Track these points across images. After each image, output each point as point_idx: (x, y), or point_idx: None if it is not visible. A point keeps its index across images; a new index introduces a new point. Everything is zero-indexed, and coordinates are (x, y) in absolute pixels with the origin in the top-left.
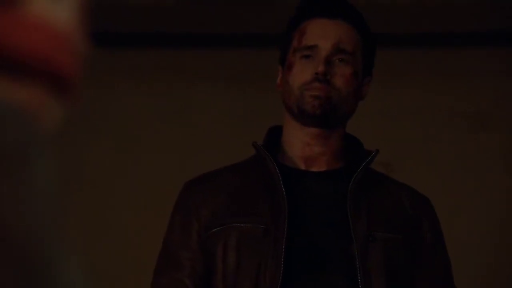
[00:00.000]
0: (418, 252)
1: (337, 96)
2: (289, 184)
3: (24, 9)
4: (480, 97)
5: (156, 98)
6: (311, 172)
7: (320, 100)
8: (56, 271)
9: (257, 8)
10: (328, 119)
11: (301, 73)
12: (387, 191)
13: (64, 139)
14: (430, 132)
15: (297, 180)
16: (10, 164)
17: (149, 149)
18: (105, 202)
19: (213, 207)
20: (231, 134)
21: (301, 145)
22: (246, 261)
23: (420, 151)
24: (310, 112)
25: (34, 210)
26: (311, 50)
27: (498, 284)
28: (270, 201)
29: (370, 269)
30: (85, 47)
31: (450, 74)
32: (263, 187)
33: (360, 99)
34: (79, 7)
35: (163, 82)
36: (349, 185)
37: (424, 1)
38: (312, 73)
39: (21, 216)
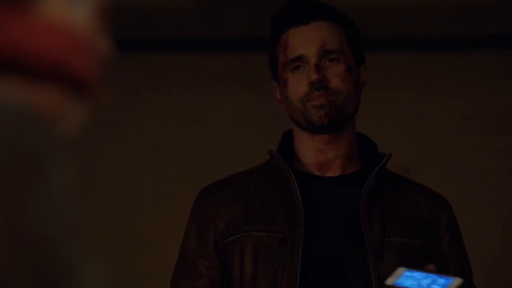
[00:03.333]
0: (436, 255)
1: (339, 98)
2: (305, 192)
3: (39, 12)
4: (496, 100)
5: (172, 103)
6: (326, 178)
7: (325, 109)
8: (75, 277)
9: (271, 12)
10: (337, 124)
11: (297, 86)
12: (403, 194)
13: (81, 144)
14: (448, 135)
15: (312, 187)
16: (27, 170)
17: (166, 154)
18: (123, 208)
19: (229, 215)
20: (248, 138)
21: (314, 152)
22: (262, 270)
23: (438, 154)
24: (317, 123)
25: (51, 217)
26: (299, 61)
27: None
28: (286, 209)
29: (385, 275)
30: (106, 51)
31: (467, 77)
32: (279, 194)
33: (361, 88)
34: (96, 11)
35: (180, 87)
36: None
37: (439, 4)
38: (308, 83)
39: (38, 223)
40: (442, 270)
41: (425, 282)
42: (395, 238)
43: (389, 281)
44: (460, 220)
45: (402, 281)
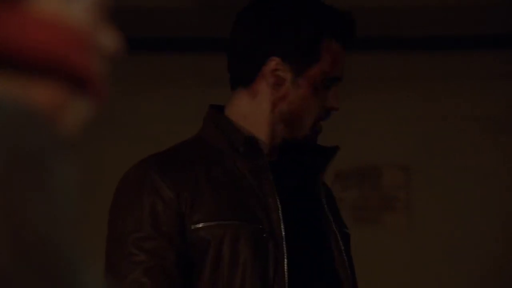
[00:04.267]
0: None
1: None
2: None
3: (34, 7)
4: (496, 100)
5: (173, 102)
6: (278, 165)
7: (316, 135)
8: (76, 277)
9: None
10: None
11: (322, 103)
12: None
13: (83, 143)
14: (447, 135)
15: (272, 171)
16: (28, 170)
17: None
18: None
19: (200, 195)
20: None
21: (271, 135)
22: (253, 263)
23: (438, 154)
24: (301, 139)
25: (52, 217)
26: (335, 81)
27: None
28: (260, 202)
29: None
30: (112, 48)
31: (466, 77)
32: (246, 181)
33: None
34: (96, 6)
35: (180, 87)
36: (317, 182)
37: (439, 4)
38: (330, 107)
39: (39, 223)
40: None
41: None
42: (341, 229)
43: None
44: (459, 219)
45: None
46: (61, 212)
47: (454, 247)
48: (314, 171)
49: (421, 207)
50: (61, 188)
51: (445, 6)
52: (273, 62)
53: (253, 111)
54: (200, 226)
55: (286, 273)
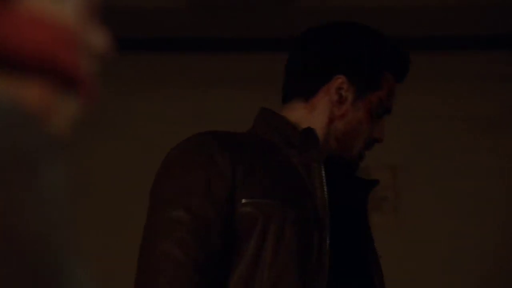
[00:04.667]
0: None
1: None
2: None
3: (23, 6)
4: (485, 101)
5: (169, 103)
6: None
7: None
8: (69, 277)
9: (268, 13)
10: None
11: (372, 130)
12: None
13: (76, 143)
14: (436, 136)
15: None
16: (20, 170)
17: (163, 154)
18: (117, 208)
19: (251, 173)
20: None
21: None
22: (294, 250)
23: (427, 153)
24: (349, 160)
25: (45, 217)
26: (387, 113)
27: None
28: (309, 194)
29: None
30: (103, 48)
31: (456, 78)
32: (298, 174)
33: None
34: (86, 5)
35: (177, 87)
36: (365, 198)
37: (436, 4)
38: (378, 137)
39: (31, 223)
40: None
41: None
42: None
43: None
44: (448, 219)
45: None
46: (54, 212)
47: (443, 247)
48: (359, 193)
49: (409, 207)
50: (54, 188)
51: (444, 6)
52: (340, 80)
53: (308, 123)
54: (251, 201)
55: (327, 262)
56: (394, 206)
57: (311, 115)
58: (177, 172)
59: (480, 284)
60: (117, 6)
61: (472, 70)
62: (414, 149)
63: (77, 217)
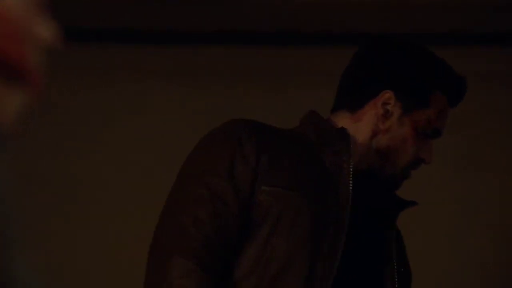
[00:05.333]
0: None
1: None
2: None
3: None
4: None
5: (109, 95)
6: (362, 172)
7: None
8: (9, 272)
9: (211, 6)
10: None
11: (418, 149)
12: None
13: (20, 136)
14: None
15: (355, 182)
16: None
17: (105, 145)
18: (62, 200)
19: (279, 162)
20: (185, 131)
21: (360, 160)
22: (306, 241)
23: None
24: (395, 182)
25: None
26: (435, 133)
27: None
28: (333, 192)
29: None
30: (51, 40)
31: None
32: (326, 172)
33: None
34: None
35: (117, 79)
36: (391, 225)
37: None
38: (424, 158)
39: None
40: None
41: None
42: (404, 267)
43: None
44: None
45: None
46: None
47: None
48: (390, 209)
49: None
50: None
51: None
52: (387, 95)
53: (352, 133)
54: (270, 189)
55: (338, 259)
56: None
57: (355, 125)
58: (205, 151)
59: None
60: None
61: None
62: None
63: (20, 211)
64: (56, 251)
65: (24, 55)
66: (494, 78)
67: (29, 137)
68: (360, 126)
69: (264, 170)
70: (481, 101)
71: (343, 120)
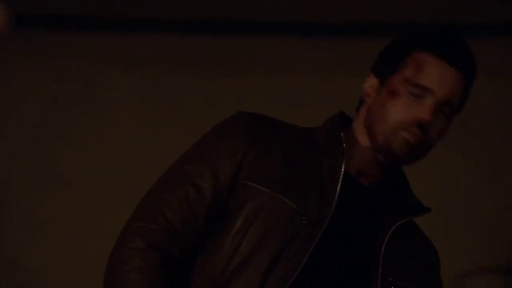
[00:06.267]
0: None
1: (428, 146)
2: (342, 186)
3: None
4: None
5: (64, 82)
6: (358, 183)
7: (413, 150)
8: None
9: None
10: (406, 164)
11: (405, 110)
12: (414, 239)
13: None
14: None
15: (347, 185)
16: None
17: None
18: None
19: (268, 159)
20: (140, 117)
21: (363, 160)
22: (271, 240)
23: None
24: (396, 154)
25: None
26: (424, 91)
27: None
28: (319, 196)
29: None
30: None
31: None
32: (320, 172)
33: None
34: None
35: (73, 65)
36: (387, 232)
37: None
38: (415, 116)
39: None
40: None
41: None
42: (404, 282)
43: None
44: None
45: None
46: None
47: None
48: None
49: None
50: None
51: None
52: (368, 78)
53: (354, 130)
54: (250, 184)
55: (304, 259)
56: None
57: (356, 122)
58: (200, 140)
59: None
60: None
61: None
62: None
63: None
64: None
65: None
66: None
67: None
68: (358, 116)
69: (249, 165)
70: None
71: (356, 121)
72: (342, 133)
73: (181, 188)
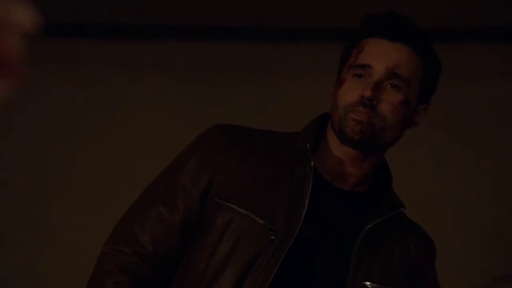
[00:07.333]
0: None
1: (380, 123)
2: (313, 195)
3: None
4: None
5: (92, 90)
6: (335, 189)
7: (362, 126)
8: None
9: (194, 1)
10: (367, 145)
11: (350, 93)
12: (395, 236)
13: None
14: None
15: (321, 194)
16: None
17: (84, 143)
18: (35, 199)
19: (236, 175)
20: (170, 127)
21: (336, 159)
22: (240, 255)
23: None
24: (349, 135)
25: None
26: (364, 69)
27: None
28: (288, 204)
29: None
30: (30, 26)
31: None
32: (290, 185)
33: (410, 126)
34: None
35: (101, 74)
36: (362, 229)
37: None
38: (359, 95)
39: None
40: None
41: None
42: (380, 285)
43: None
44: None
45: None
46: None
47: None
48: (365, 203)
49: None
50: None
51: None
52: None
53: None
54: (220, 202)
55: (272, 274)
56: None
57: (328, 125)
58: (178, 155)
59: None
60: None
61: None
62: None
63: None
64: (25, 250)
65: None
66: None
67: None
68: (329, 124)
69: (220, 181)
70: None
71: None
72: (308, 144)
73: (154, 208)
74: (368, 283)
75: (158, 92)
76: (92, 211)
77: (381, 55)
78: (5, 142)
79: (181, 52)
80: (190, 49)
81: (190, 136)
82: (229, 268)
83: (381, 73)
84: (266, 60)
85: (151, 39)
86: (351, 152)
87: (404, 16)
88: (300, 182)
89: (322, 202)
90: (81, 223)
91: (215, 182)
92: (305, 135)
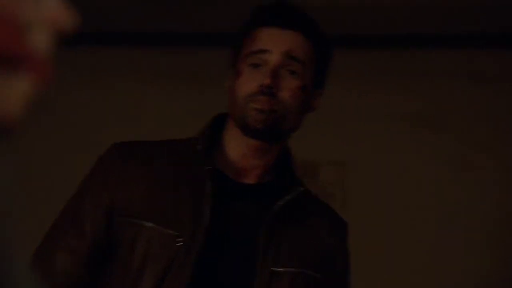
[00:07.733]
0: (331, 286)
1: (282, 110)
2: (217, 196)
3: None
4: (426, 97)
5: (110, 97)
6: (240, 184)
7: (263, 114)
8: (5, 271)
9: (213, 8)
10: (270, 133)
11: (248, 83)
12: (304, 218)
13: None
14: (383, 132)
15: (226, 192)
16: None
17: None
18: (51, 204)
19: (135, 191)
20: (191, 134)
21: (238, 154)
22: (152, 267)
23: (374, 150)
24: (252, 125)
25: None
26: (260, 56)
27: None
28: (192, 208)
29: None
30: (62, 24)
31: (406, 75)
32: (190, 186)
33: (308, 111)
34: None
35: (120, 81)
36: (264, 223)
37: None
38: (257, 84)
39: None
40: None
41: None
42: (288, 268)
43: None
44: (395, 216)
45: None
46: None
47: (390, 245)
48: (272, 194)
49: (356, 204)
50: None
51: (386, 5)
52: (229, 77)
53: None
54: (122, 219)
55: (186, 281)
56: (341, 204)
57: (228, 120)
58: (84, 178)
59: (431, 280)
60: None
61: (423, 67)
62: (361, 146)
63: (19, 211)
64: None
65: (23, 41)
66: None
67: (21, 138)
68: (229, 119)
69: (120, 200)
70: None
71: (228, 119)
72: (201, 146)
73: (63, 238)
74: (275, 268)
75: (180, 100)
76: None
77: (275, 42)
78: (29, 147)
79: (201, 60)
80: (211, 57)
81: None
82: (144, 281)
83: (278, 59)
84: None
85: (172, 46)
86: (254, 143)
87: (292, 5)
88: (200, 184)
89: (226, 200)
90: None
91: (116, 202)
92: (199, 138)
